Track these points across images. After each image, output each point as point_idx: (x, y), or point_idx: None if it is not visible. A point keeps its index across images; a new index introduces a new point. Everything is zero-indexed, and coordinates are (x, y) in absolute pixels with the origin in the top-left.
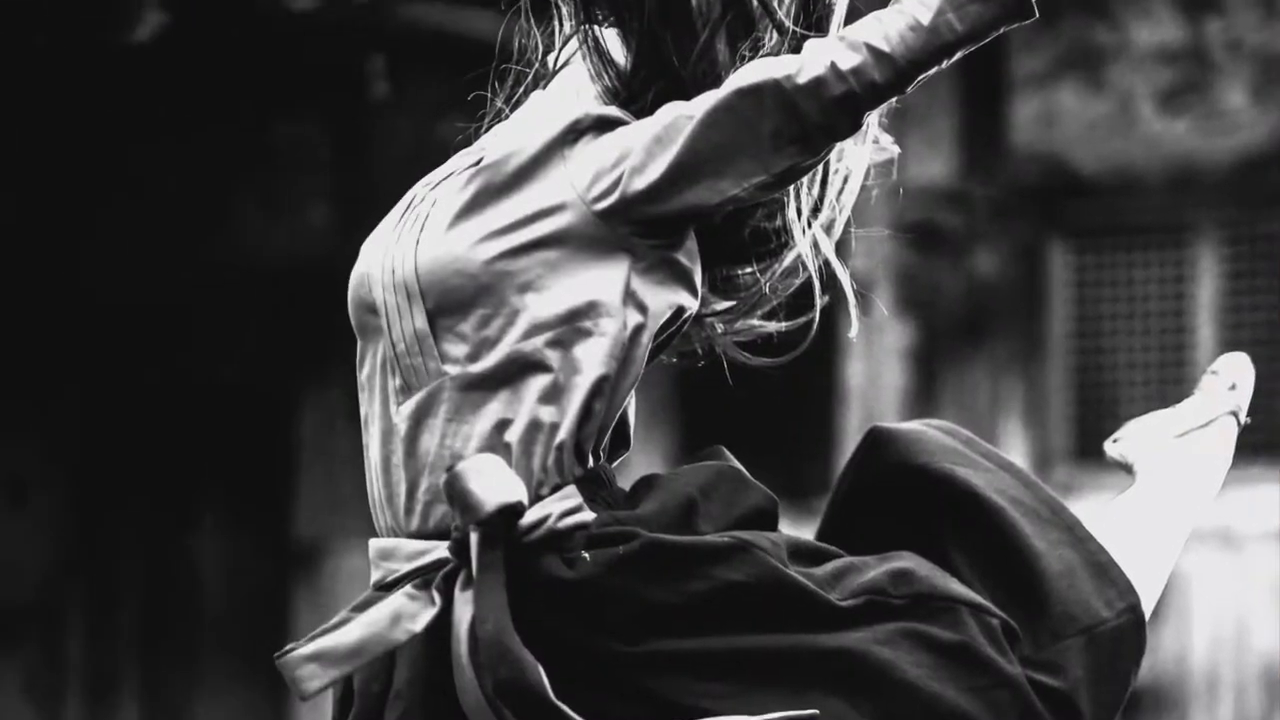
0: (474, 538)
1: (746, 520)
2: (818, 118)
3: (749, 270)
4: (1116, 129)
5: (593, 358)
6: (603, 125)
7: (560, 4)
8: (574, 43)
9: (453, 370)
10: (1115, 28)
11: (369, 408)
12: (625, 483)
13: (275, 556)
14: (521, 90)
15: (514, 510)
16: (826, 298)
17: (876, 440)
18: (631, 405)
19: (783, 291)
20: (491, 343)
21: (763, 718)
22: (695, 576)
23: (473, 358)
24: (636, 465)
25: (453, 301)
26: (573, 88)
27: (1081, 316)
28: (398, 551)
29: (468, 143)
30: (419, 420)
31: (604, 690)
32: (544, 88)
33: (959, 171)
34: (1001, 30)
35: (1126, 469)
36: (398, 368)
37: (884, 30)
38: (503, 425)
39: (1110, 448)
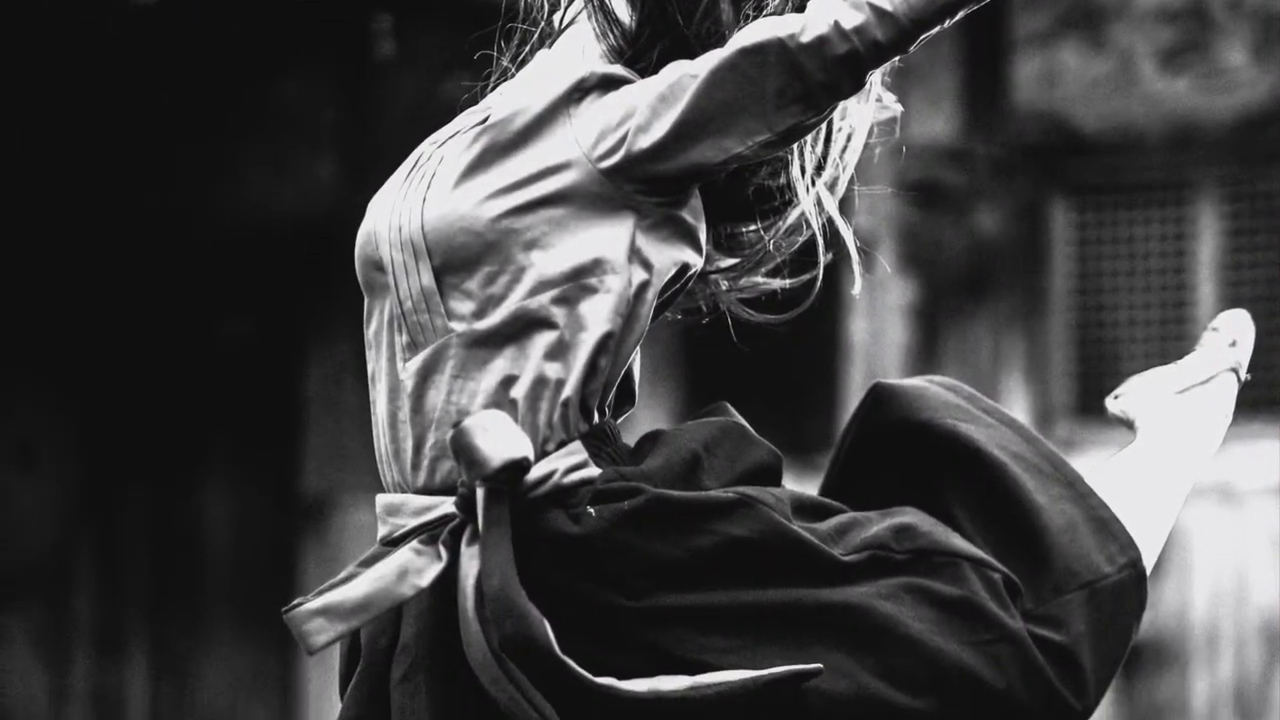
0: (480, 493)
1: (750, 476)
2: (821, 76)
3: (753, 228)
4: (1117, 88)
5: (598, 315)
6: (607, 84)
7: None
8: (579, 1)
9: (459, 327)
10: None
11: (376, 364)
12: (630, 438)
13: (282, 512)
14: (527, 49)
15: (520, 466)
16: (830, 255)
17: (879, 396)
18: (636, 361)
19: (786, 249)
20: (497, 300)
21: (765, 672)
22: (699, 532)
23: (479, 315)
24: (641, 421)
25: (459, 259)
26: (578, 46)
27: (1083, 274)
28: (404, 507)
29: (474, 101)
30: (425, 376)
31: (608, 644)
32: (550, 46)
33: (961, 130)
34: None
35: (1127, 425)
36: (404, 325)
37: None
38: (509, 382)
39: (1111, 404)
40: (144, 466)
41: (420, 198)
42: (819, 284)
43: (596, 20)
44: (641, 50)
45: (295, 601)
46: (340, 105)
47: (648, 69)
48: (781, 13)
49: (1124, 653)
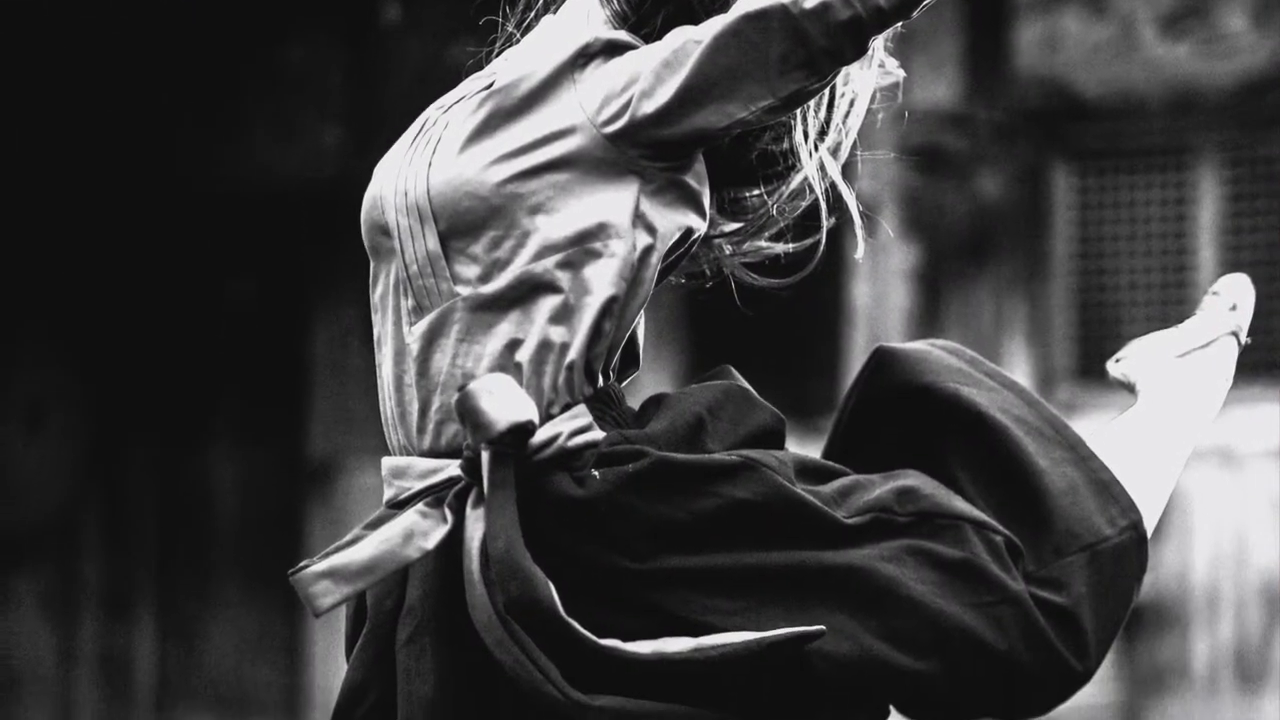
0: (485, 456)
1: (754, 439)
2: (824, 42)
3: (757, 192)
4: (1119, 53)
5: (602, 278)
6: (612, 50)
7: None
8: None
9: (464, 291)
10: None
11: (382, 328)
12: (634, 402)
13: (289, 474)
14: (532, 15)
15: (525, 429)
16: (833, 219)
17: (882, 360)
18: (641, 325)
19: (790, 213)
20: (503, 264)
21: (769, 633)
22: (703, 494)
23: (484, 279)
24: (645, 385)
25: (464, 223)
26: (583, 12)
27: (1084, 238)
28: (410, 470)
29: (479, 67)
30: (431, 340)
31: (613, 606)
32: (554, 12)
33: (963, 95)
34: None
35: (1128, 388)
36: (410, 289)
37: None
38: (514, 345)
39: (1112, 367)
40: (151, 429)
41: (426, 163)
42: (822, 248)
43: None
44: (645, 16)
45: (301, 564)
46: (346, 70)
47: (652, 35)
48: None
49: (1125, 615)
